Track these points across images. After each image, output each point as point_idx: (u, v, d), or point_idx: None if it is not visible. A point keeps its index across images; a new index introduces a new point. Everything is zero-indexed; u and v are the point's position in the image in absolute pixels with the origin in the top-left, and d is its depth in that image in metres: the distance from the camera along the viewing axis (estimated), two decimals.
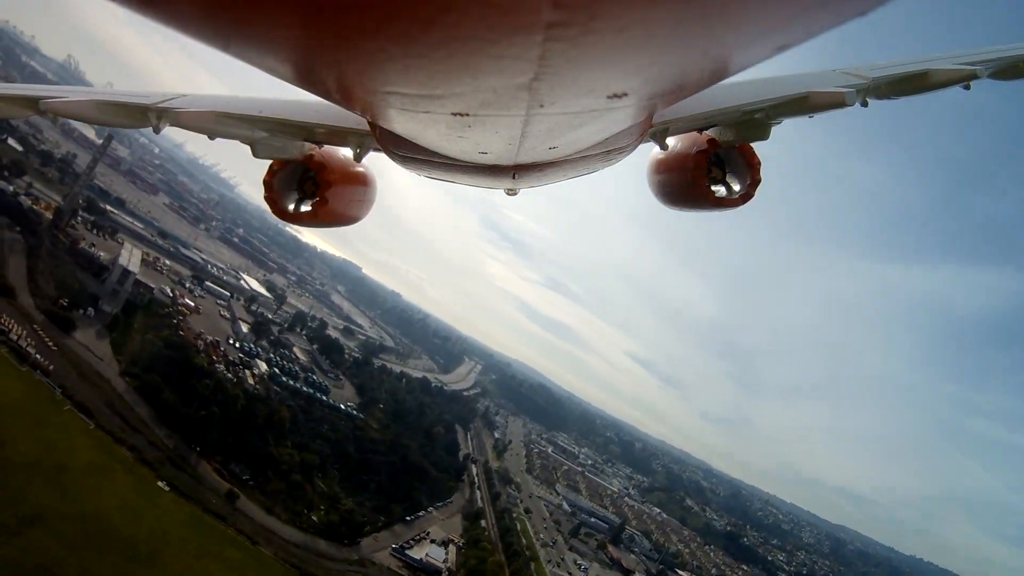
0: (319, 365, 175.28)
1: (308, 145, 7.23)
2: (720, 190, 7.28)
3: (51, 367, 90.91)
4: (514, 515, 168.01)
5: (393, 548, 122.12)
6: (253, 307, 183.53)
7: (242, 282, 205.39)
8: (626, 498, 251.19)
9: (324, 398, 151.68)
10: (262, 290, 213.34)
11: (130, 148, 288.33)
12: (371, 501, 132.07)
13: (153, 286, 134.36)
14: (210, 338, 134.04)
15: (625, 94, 2.47)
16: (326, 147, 7.37)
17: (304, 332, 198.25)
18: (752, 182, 7.06)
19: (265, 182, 7.37)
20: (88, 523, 72.43)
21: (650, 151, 7.62)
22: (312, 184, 7.39)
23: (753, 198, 7.11)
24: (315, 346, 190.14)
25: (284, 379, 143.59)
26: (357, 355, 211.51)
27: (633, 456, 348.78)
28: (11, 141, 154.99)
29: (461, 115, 2.65)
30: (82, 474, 78.00)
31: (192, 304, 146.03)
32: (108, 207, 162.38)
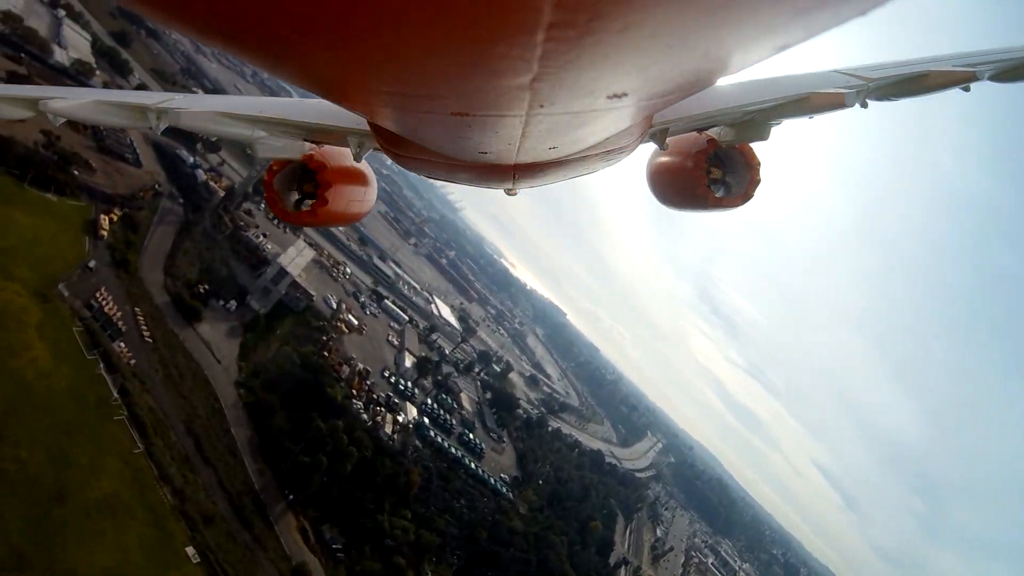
0: (483, 420, 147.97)
1: (308, 145, 7.00)
2: (720, 190, 7.14)
3: (131, 361, 70.15)
4: None
5: None
6: (432, 336, 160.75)
7: (432, 306, 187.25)
8: None
9: (473, 465, 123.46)
10: (451, 319, 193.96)
11: None
12: None
13: (314, 293, 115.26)
14: (360, 366, 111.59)
15: (625, 94, 2.42)
16: (326, 147, 7.13)
17: (480, 375, 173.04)
18: (752, 182, 6.97)
19: (264, 182, 7.21)
20: None
21: (650, 151, 7.48)
22: (312, 184, 7.14)
23: (752, 198, 7.00)
24: (487, 395, 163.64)
25: (432, 433, 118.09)
26: (532, 412, 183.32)
27: None
28: None
29: (461, 115, 2.57)
30: (84, 511, 56.61)
31: (355, 322, 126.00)
32: None
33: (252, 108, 6.57)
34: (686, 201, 7.49)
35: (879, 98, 6.39)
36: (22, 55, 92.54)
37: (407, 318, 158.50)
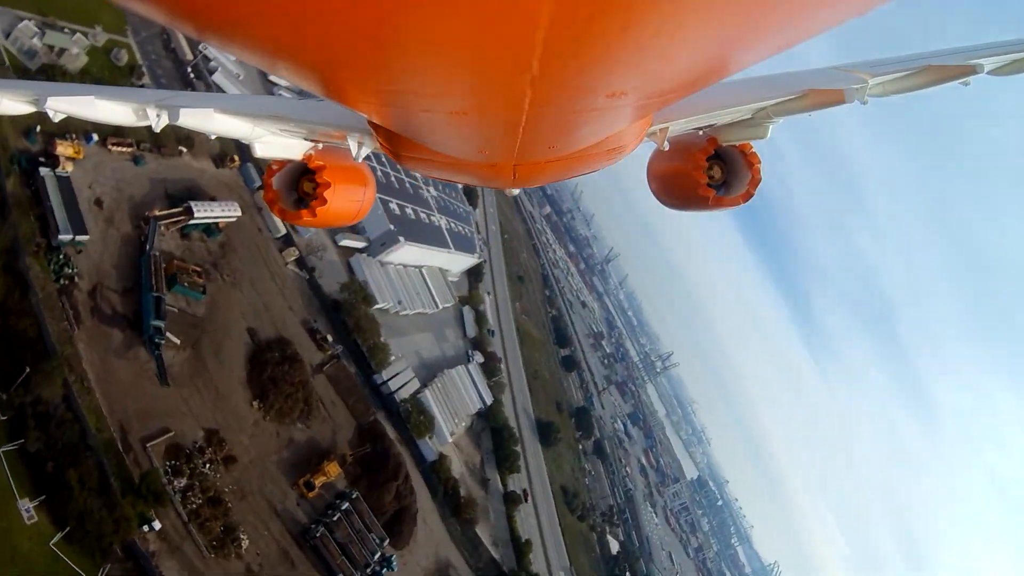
0: None
1: (308, 144, 6.52)
2: (720, 190, 6.54)
3: None
4: None
5: None
6: None
7: None
8: None
9: None
10: None
11: None
12: None
13: None
14: None
15: (625, 93, 2.27)
16: (326, 146, 6.56)
17: None
18: (752, 181, 6.39)
19: (264, 182, 6.53)
20: None
21: (650, 151, 6.88)
22: (312, 184, 6.44)
23: (753, 197, 6.48)
24: None
25: None
26: None
27: None
28: None
29: (460, 114, 2.44)
30: None
31: None
32: None
33: (252, 107, 6.02)
34: (687, 201, 6.77)
35: (879, 94, 5.58)
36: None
37: None
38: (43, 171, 47.91)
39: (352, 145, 5.78)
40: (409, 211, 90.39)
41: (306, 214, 6.31)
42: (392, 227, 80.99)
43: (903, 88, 5.54)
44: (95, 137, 53.70)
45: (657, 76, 2.11)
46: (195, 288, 54.61)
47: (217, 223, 59.91)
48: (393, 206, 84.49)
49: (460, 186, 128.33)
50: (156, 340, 48.40)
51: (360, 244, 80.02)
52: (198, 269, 55.95)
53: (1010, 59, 5.48)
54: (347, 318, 68.61)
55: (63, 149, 50.13)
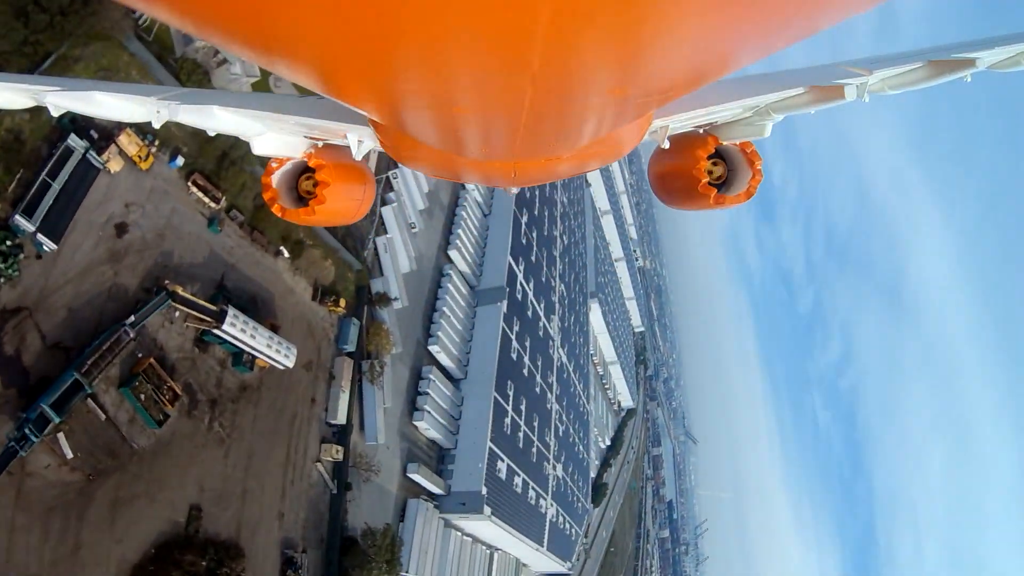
0: None
1: (308, 143, 6.45)
2: (721, 188, 6.51)
3: None
4: None
5: None
6: None
7: None
8: None
9: None
10: None
11: None
12: None
13: None
14: None
15: (625, 91, 2.32)
16: (326, 145, 6.50)
17: None
18: (753, 179, 6.40)
19: (263, 181, 6.34)
20: None
21: (651, 149, 6.86)
22: (311, 182, 6.41)
23: (754, 195, 6.44)
24: None
25: None
26: None
27: None
28: None
29: (462, 112, 2.48)
30: None
31: None
32: None
33: (252, 104, 5.93)
34: (688, 199, 6.75)
35: (880, 90, 5.67)
36: None
37: None
38: (73, 142, 31.91)
39: (352, 143, 5.76)
40: (518, 482, 65.96)
41: (305, 212, 6.16)
42: (484, 491, 56.46)
43: (904, 83, 5.44)
44: (180, 161, 38.51)
45: (657, 73, 2.11)
46: (150, 410, 32.22)
47: (254, 357, 38.94)
48: (501, 467, 60.83)
49: (591, 477, 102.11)
50: (28, 431, 28.94)
51: (434, 488, 56.14)
52: (176, 389, 34.16)
53: (1009, 53, 5.29)
54: (350, 573, 40.52)
55: (125, 142, 35.22)
